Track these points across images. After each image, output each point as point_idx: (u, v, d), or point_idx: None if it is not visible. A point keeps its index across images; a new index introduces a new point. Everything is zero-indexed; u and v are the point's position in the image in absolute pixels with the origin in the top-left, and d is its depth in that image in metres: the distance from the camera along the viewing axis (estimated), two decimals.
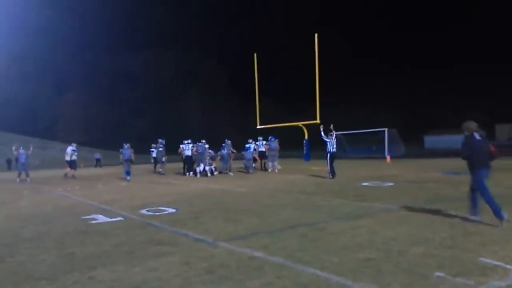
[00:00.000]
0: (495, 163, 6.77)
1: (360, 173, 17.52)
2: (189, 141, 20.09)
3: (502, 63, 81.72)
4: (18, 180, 20.43)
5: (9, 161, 39.34)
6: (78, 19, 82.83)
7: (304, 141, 30.97)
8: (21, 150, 20.90)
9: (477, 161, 6.44)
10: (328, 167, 15.38)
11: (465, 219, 6.62)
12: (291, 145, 38.08)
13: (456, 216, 6.86)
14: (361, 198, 9.58)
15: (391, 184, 12.38)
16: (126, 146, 18.43)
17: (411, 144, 57.99)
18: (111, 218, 8.14)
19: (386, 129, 33.32)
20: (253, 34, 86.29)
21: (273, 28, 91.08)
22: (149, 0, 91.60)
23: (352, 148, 38.61)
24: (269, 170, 20.44)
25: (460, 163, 7.68)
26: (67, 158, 21.60)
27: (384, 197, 9.60)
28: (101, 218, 8.14)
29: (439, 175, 14.94)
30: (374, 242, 5.39)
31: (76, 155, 21.85)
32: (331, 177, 15.11)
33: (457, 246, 5.06)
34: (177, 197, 11.01)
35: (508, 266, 4.23)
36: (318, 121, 26.12)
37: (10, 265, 5.01)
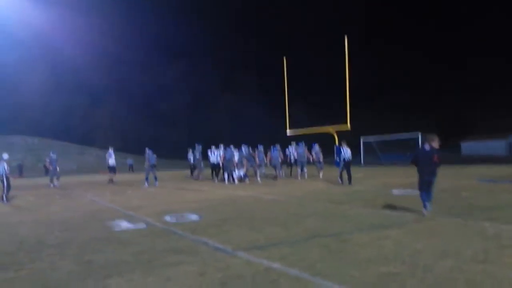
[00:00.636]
0: None
1: (391, 180, 17.03)
2: (221, 146, 20.10)
3: None
4: (51, 185, 20.93)
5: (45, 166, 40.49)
6: (113, 32, 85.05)
7: (335, 147, 30.48)
8: (53, 156, 21.13)
9: (421, 167, 8.04)
10: (340, 173, 16.21)
11: (501, 230, 6.25)
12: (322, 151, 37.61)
13: (490, 228, 6.48)
14: (390, 207, 9.25)
15: None
16: (150, 151, 18.78)
17: (448, 151, 56.27)
18: (134, 224, 8.14)
19: (419, 134, 32.39)
20: (284, 38, 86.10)
21: (304, 32, 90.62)
22: (179, 13, 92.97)
23: (384, 154, 37.81)
24: (299, 178, 20.18)
25: (498, 170, 7.30)
26: (109, 162, 22.04)
27: (415, 206, 9.19)
28: (125, 225, 8.15)
29: (475, 183, 14.33)
30: (400, 254, 5.12)
31: (114, 159, 22.11)
32: (341, 182, 15.88)
33: (490, 261, 4.73)
34: (203, 204, 10.96)
35: None
36: (348, 126, 25.67)
37: (28, 272, 5.01)
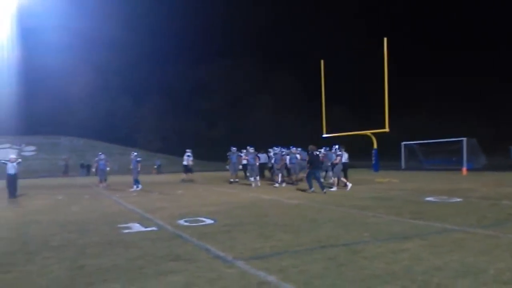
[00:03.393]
0: None
1: (428, 186, 16.09)
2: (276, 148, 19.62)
3: None
4: (101, 185, 20.34)
5: (82, 166, 42.21)
6: (155, 32, 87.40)
7: (373, 151, 29.48)
8: (101, 156, 20.91)
9: (314, 166, 13.98)
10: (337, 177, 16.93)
11: None
12: (359, 154, 36.55)
13: None
14: (418, 215, 8.55)
15: (459, 200, 11.09)
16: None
17: (498, 156, 53.30)
18: (145, 227, 7.92)
19: (465, 139, 30.79)
20: (323, 39, 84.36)
21: (343, 33, 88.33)
22: (220, 13, 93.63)
23: (428, 159, 36.28)
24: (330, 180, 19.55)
25: None
26: (184, 163, 23.04)
27: (446, 215, 8.49)
28: (136, 227, 7.95)
29: None
30: (413, 271, 4.56)
31: (191, 160, 23.24)
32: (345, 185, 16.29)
33: None
34: (223, 207, 10.63)
35: None
36: (387, 129, 24.72)
37: (15, 275, 4.83)
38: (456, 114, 73.00)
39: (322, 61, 30.96)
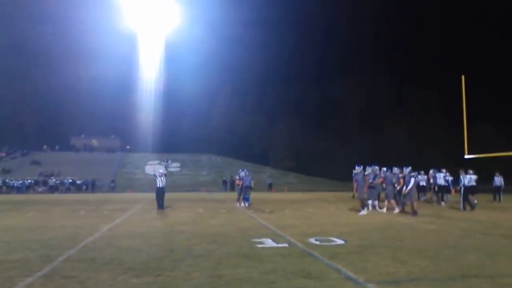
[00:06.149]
0: None
1: None
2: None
3: None
4: (238, 204, 18.72)
5: (224, 182, 45.09)
6: (288, 56, 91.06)
7: None
8: (242, 173, 18.89)
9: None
10: (461, 200, 16.10)
11: None
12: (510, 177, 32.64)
13: None
14: None
15: None
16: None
17: None
18: (277, 243, 8.17)
19: None
20: (464, 52, 77.61)
21: (484, 45, 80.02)
22: (350, 30, 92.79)
23: None
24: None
25: None
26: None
27: None
28: (269, 243, 8.24)
29: None
30: None
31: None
32: (463, 209, 15.74)
33: None
34: (354, 228, 10.43)
35: None
36: None
37: (163, 278, 5.39)
38: None
39: (462, 76, 28.61)
